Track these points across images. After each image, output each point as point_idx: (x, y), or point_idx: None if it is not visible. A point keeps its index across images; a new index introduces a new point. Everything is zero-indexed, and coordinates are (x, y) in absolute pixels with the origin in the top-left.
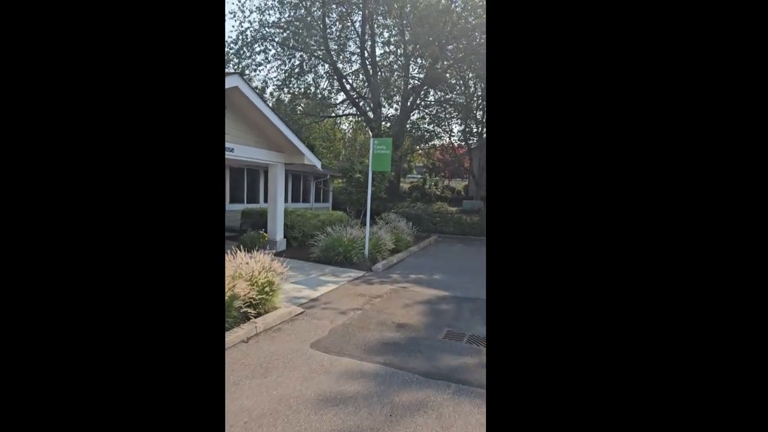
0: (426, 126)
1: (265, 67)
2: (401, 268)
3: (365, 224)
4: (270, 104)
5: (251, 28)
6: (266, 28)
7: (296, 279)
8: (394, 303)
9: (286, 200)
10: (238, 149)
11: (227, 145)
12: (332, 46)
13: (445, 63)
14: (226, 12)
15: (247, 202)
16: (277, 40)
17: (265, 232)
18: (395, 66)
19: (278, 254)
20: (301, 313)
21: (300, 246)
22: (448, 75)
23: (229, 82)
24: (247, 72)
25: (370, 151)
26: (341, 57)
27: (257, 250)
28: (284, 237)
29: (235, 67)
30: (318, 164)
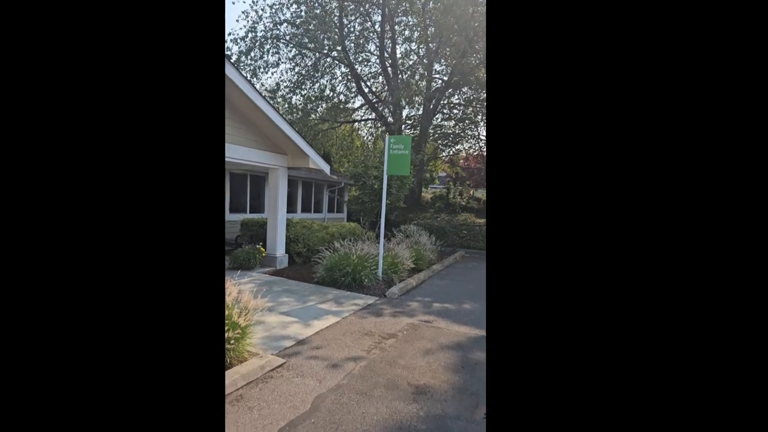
0: (451, 128)
1: (278, 68)
2: (422, 293)
3: (380, 238)
4: (279, 106)
5: (262, 26)
6: (278, 27)
7: (288, 308)
8: (412, 348)
9: (295, 210)
10: (229, 149)
11: None
12: (349, 45)
13: (473, 58)
14: (239, 12)
15: (250, 212)
16: (289, 38)
17: (264, 246)
18: (418, 65)
19: (277, 273)
20: (280, 366)
21: (304, 263)
22: (477, 72)
23: None
24: (258, 74)
25: (385, 152)
26: (359, 58)
27: (251, 269)
28: (286, 252)
29: (247, 69)
30: (326, 169)
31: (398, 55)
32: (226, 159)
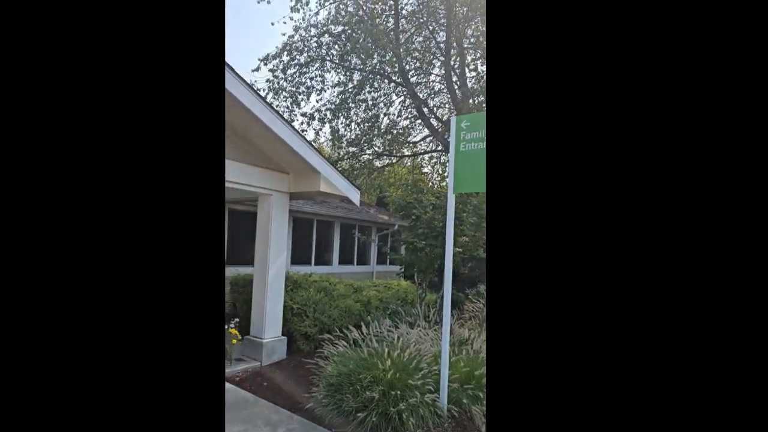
0: None
1: (324, 91)
2: None
3: (444, 318)
4: (305, 133)
5: (298, 36)
6: (320, 40)
7: None
8: None
9: (329, 262)
10: None
11: None
12: (406, 63)
13: None
14: (276, 24)
15: (245, 264)
16: (329, 48)
17: (235, 327)
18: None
19: (252, 377)
20: None
21: (314, 352)
22: None
23: None
24: (299, 100)
25: (451, 147)
26: (420, 79)
27: None
28: (284, 334)
29: (282, 94)
30: (355, 197)
31: (467, 74)
32: None
